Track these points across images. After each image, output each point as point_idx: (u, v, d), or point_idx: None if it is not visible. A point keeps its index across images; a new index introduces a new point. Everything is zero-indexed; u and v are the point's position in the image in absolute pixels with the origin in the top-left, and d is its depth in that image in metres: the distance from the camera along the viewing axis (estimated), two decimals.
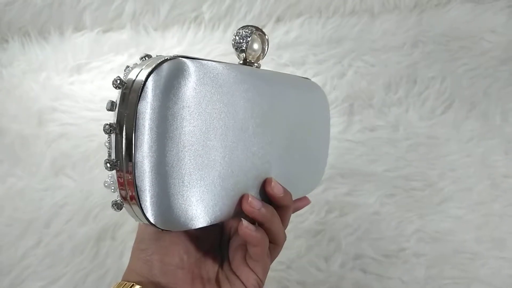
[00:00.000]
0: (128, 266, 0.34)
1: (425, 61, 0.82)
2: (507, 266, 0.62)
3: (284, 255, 0.63)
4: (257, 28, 0.36)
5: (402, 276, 0.61)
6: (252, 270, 0.34)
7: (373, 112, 0.79)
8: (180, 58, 0.28)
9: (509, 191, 0.69)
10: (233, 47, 0.36)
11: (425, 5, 0.86)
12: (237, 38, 0.36)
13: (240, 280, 0.34)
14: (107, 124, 0.27)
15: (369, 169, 0.72)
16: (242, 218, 0.33)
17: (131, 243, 0.64)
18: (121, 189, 0.28)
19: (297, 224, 0.66)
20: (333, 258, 0.63)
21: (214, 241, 0.38)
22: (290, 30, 0.85)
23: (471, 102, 0.78)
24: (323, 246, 0.64)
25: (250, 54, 0.36)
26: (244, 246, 0.35)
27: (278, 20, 0.87)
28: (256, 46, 0.36)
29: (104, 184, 0.30)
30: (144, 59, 0.30)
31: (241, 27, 0.37)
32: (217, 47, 0.85)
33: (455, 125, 0.76)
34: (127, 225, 0.66)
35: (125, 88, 0.27)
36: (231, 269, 0.35)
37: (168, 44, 0.86)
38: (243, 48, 0.36)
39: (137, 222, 0.31)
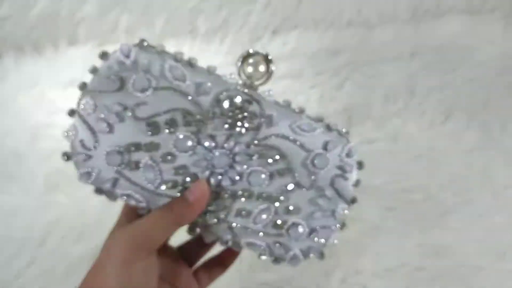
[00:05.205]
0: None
1: (423, 72, 0.82)
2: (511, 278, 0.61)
3: (283, 271, 0.62)
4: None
5: None
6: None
7: (371, 124, 0.78)
8: None
9: (511, 202, 0.68)
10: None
11: (421, 17, 0.87)
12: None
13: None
14: None
15: (368, 182, 0.70)
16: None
17: None
18: None
19: None
20: (333, 274, 0.62)
21: None
22: (287, 42, 0.85)
23: (469, 113, 0.78)
24: (323, 261, 0.63)
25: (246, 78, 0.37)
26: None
27: (275, 32, 0.87)
28: (250, 69, 0.36)
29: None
30: None
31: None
32: (214, 59, 0.84)
33: (454, 136, 0.76)
34: None
35: None
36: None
37: None
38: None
39: None
